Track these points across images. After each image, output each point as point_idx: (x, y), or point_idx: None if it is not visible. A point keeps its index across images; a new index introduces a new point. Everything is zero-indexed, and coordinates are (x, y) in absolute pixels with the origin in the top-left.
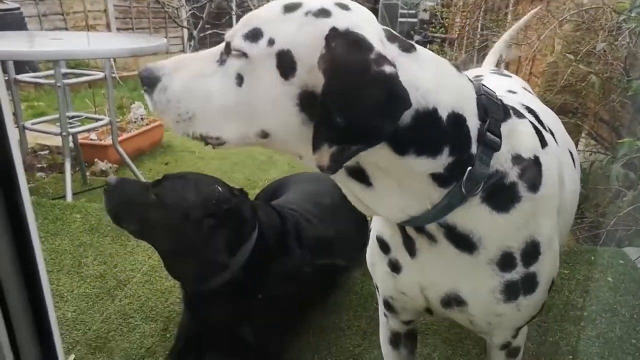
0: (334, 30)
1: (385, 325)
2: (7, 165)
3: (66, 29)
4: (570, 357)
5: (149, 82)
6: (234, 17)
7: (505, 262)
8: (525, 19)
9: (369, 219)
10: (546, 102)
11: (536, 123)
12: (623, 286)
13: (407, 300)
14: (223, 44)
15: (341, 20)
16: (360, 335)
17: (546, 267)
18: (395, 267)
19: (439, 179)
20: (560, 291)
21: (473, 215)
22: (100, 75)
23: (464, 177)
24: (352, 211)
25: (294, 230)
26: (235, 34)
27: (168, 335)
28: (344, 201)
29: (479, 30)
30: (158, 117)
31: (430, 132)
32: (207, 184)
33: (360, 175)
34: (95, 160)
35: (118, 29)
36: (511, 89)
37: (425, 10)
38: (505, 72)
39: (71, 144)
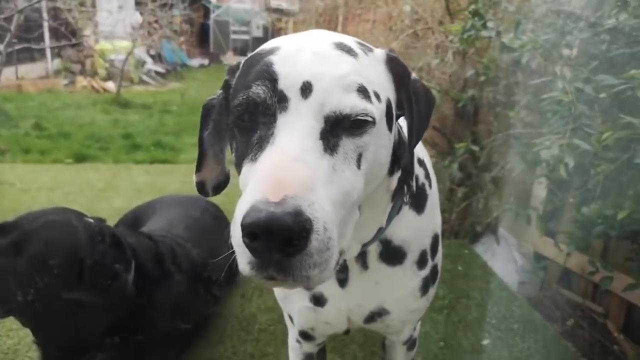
0: (389, 58)
1: (298, 350)
2: None
3: None
4: (442, 343)
5: (303, 229)
6: (46, 30)
7: (422, 260)
8: None
9: None
10: None
11: None
12: (471, 272)
13: (329, 328)
14: (307, 126)
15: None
16: None
17: (440, 254)
18: (319, 301)
19: (392, 193)
20: None
21: (404, 223)
22: None
23: (405, 187)
24: (222, 233)
25: (170, 255)
26: (332, 99)
27: None
28: (214, 223)
29: None
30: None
31: (402, 146)
32: (74, 220)
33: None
34: None
35: None
36: None
37: (258, 27)
38: None
39: None
